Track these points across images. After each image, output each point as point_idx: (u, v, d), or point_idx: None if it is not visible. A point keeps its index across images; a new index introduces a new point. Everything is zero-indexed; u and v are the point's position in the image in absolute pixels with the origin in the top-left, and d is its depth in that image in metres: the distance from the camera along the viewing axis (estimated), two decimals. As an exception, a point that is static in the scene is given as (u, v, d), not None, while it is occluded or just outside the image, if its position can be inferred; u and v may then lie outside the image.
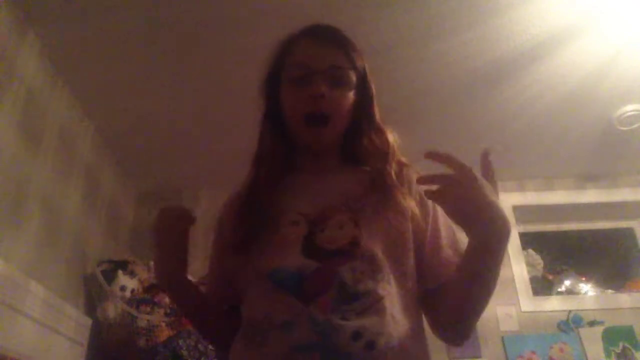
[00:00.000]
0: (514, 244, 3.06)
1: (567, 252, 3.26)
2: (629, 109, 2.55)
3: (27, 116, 1.88)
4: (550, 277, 3.11)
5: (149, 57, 2.12)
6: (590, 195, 3.19)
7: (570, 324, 2.79)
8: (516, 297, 2.89)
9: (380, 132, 1.00)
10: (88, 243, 2.40)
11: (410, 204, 0.91)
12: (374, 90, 1.02)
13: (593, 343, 2.70)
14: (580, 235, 3.31)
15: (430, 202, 0.94)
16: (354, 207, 0.88)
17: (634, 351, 2.70)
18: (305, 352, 0.77)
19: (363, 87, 0.99)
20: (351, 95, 0.96)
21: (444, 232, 0.95)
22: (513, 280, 2.94)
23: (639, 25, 2.06)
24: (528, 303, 2.87)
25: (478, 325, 2.80)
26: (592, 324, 2.78)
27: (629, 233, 3.31)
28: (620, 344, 2.73)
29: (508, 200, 3.19)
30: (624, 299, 2.92)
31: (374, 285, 0.82)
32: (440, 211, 0.95)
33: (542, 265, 3.12)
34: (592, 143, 2.86)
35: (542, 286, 3.05)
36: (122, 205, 2.92)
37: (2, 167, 1.71)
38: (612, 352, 2.70)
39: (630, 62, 2.25)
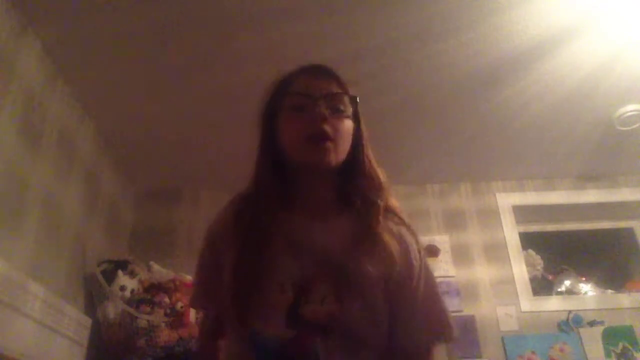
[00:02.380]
0: (514, 244, 3.06)
1: (567, 252, 3.26)
2: (629, 109, 2.55)
3: (27, 116, 1.88)
4: (550, 277, 3.11)
5: (149, 57, 2.12)
6: (590, 195, 3.20)
7: (570, 324, 2.80)
8: (516, 297, 2.89)
9: (374, 170, 1.02)
10: (88, 243, 2.40)
11: (395, 262, 0.93)
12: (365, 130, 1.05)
13: (593, 343, 2.70)
14: (580, 235, 3.31)
15: (420, 266, 0.97)
16: (339, 271, 0.89)
17: (633, 351, 2.70)
18: None
19: (357, 120, 1.03)
20: (349, 122, 1.00)
21: (426, 301, 0.98)
22: (513, 280, 2.94)
23: (639, 25, 2.05)
24: (528, 303, 2.88)
25: (478, 325, 2.83)
26: (592, 324, 2.79)
27: (629, 233, 3.31)
28: (620, 344, 2.73)
29: (508, 200, 3.20)
30: (624, 299, 2.92)
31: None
32: (429, 275, 0.99)
33: (542, 265, 3.12)
34: (592, 143, 2.86)
35: (542, 286, 3.05)
36: (122, 205, 2.92)
37: (2, 167, 1.71)
38: (612, 352, 2.70)
39: (630, 62, 2.25)
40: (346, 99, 1.01)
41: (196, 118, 2.52)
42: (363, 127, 1.04)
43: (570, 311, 2.83)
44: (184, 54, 2.10)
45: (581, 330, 2.77)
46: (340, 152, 0.97)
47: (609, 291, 3.05)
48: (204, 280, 1.08)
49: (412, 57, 2.19)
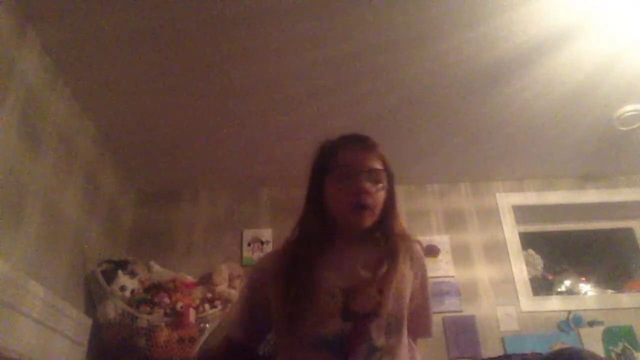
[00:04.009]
0: (514, 244, 3.06)
1: (567, 252, 3.26)
2: (629, 109, 2.55)
3: (27, 116, 1.88)
4: (550, 277, 3.11)
5: (149, 57, 2.12)
6: (590, 195, 3.20)
7: (570, 324, 2.80)
8: (516, 297, 2.89)
9: (398, 221, 1.25)
10: (88, 243, 2.40)
11: (410, 278, 1.20)
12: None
13: (593, 343, 2.70)
14: (580, 235, 3.31)
15: (423, 279, 1.27)
16: (375, 282, 1.12)
17: (633, 351, 2.70)
18: None
19: (391, 187, 1.24)
20: (384, 193, 1.21)
21: (428, 302, 1.30)
22: (513, 280, 2.94)
23: (639, 25, 2.06)
24: (528, 303, 2.88)
25: (478, 325, 2.84)
26: (592, 324, 2.79)
27: (629, 233, 3.32)
28: (620, 344, 2.73)
29: (508, 200, 3.20)
30: (624, 299, 2.92)
31: (387, 339, 1.09)
32: (428, 284, 1.30)
33: (542, 265, 3.12)
34: (592, 143, 2.86)
35: (542, 286, 3.06)
36: (122, 205, 2.92)
37: (2, 167, 1.71)
38: (612, 352, 2.70)
39: (630, 62, 2.25)
40: (384, 174, 1.21)
41: (196, 118, 2.52)
42: (394, 194, 1.25)
43: (570, 311, 2.83)
44: (184, 55, 2.10)
45: (581, 330, 2.78)
46: (375, 217, 1.18)
47: (609, 291, 3.05)
48: (245, 318, 1.29)
49: (412, 57, 2.19)
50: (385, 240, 1.20)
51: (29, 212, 1.87)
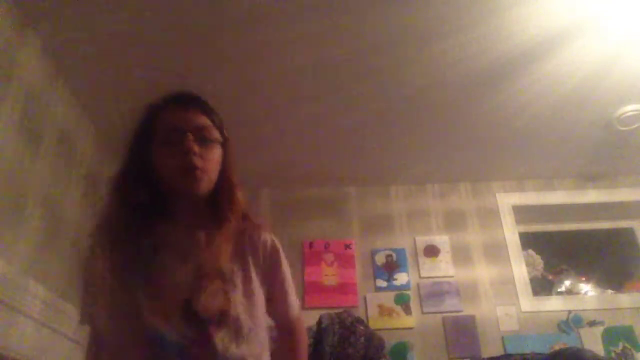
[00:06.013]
0: (514, 244, 3.06)
1: (567, 252, 3.26)
2: (629, 109, 2.55)
3: (27, 116, 1.88)
4: (550, 277, 3.11)
5: (149, 57, 2.12)
6: (590, 195, 3.20)
7: (570, 324, 2.80)
8: (516, 297, 2.89)
9: (236, 189, 1.13)
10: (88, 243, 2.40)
11: (260, 270, 1.10)
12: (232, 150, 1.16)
13: (593, 343, 2.70)
14: (580, 235, 3.31)
15: (275, 257, 1.15)
16: (224, 275, 1.01)
17: (633, 351, 2.70)
18: None
19: (226, 143, 1.13)
20: (218, 150, 1.10)
21: (286, 285, 1.18)
22: (513, 280, 2.94)
23: (639, 25, 2.06)
24: (528, 303, 2.88)
25: (478, 325, 2.84)
26: (592, 324, 2.79)
27: (629, 233, 3.32)
28: (620, 344, 2.73)
29: (508, 200, 3.20)
30: (624, 299, 2.92)
31: (236, 349, 0.97)
32: (283, 264, 1.17)
33: (542, 265, 3.12)
34: (592, 143, 2.86)
35: (542, 286, 3.06)
36: (122, 205, 2.92)
37: (2, 167, 1.71)
38: (612, 352, 2.70)
39: (630, 62, 2.25)
40: (214, 129, 1.10)
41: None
42: (230, 151, 1.14)
43: (570, 311, 2.83)
44: (184, 55, 2.10)
45: (581, 330, 2.78)
46: (210, 178, 1.07)
47: (609, 291, 3.05)
48: (88, 301, 1.12)
49: (412, 57, 2.19)
50: (219, 222, 1.07)
51: (29, 212, 1.87)
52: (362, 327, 2.46)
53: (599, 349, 2.68)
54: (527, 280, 2.95)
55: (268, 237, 1.15)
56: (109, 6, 1.84)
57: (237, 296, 1.02)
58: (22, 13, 1.83)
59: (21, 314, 1.70)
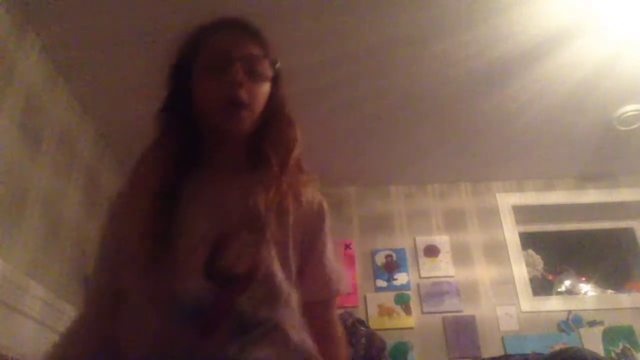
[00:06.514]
0: (514, 244, 3.06)
1: (567, 252, 3.26)
2: (629, 109, 2.55)
3: (27, 116, 1.88)
4: (550, 277, 3.11)
5: (149, 57, 2.11)
6: (590, 195, 3.20)
7: (570, 324, 2.80)
8: (516, 297, 2.89)
9: (290, 125, 0.98)
10: (88, 243, 2.40)
11: (303, 216, 0.93)
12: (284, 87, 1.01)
13: (593, 343, 2.70)
14: (580, 235, 3.31)
15: (319, 223, 0.98)
16: (254, 227, 0.85)
17: (633, 351, 2.70)
18: None
19: (277, 81, 0.98)
20: (267, 86, 0.95)
21: (324, 259, 0.98)
22: (513, 280, 2.94)
23: (639, 25, 2.06)
24: (528, 303, 2.88)
25: (478, 325, 2.83)
26: (592, 324, 2.79)
27: (629, 233, 3.32)
28: (620, 344, 2.73)
29: (508, 200, 3.20)
30: (624, 299, 2.92)
31: (270, 312, 0.83)
32: (327, 233, 0.99)
33: (542, 265, 3.12)
34: (592, 143, 2.86)
35: (542, 286, 3.06)
36: (122, 205, 2.92)
37: (2, 167, 1.71)
38: (612, 352, 2.70)
39: (630, 62, 2.25)
40: (266, 62, 0.95)
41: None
42: (283, 90, 0.99)
43: (570, 311, 2.83)
44: (184, 54, 2.10)
45: (581, 330, 2.78)
46: (254, 117, 0.93)
47: (609, 291, 3.05)
48: (107, 255, 0.97)
49: (412, 57, 2.19)
50: (261, 168, 0.91)
51: (29, 212, 1.87)
52: (363, 328, 2.46)
53: (599, 349, 2.68)
54: (527, 280, 2.95)
55: (317, 196, 0.99)
56: (109, 6, 1.84)
57: (271, 255, 0.85)
58: (22, 13, 1.83)
59: (21, 314, 1.70)
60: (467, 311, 2.86)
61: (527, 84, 2.37)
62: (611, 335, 2.75)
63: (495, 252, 3.04)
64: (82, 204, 2.34)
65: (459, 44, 2.11)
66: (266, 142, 0.94)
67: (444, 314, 2.84)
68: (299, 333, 0.85)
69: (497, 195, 3.21)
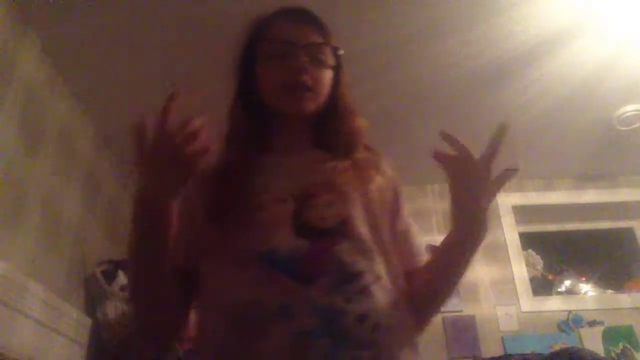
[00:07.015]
0: (514, 244, 3.06)
1: (567, 252, 3.26)
2: (629, 109, 2.55)
3: (27, 116, 1.87)
4: (550, 277, 3.11)
5: (149, 57, 2.12)
6: (590, 195, 3.20)
7: (570, 324, 2.80)
8: (516, 297, 2.89)
9: (353, 116, 1.00)
10: (88, 243, 2.40)
11: (382, 187, 0.94)
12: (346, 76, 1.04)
13: (593, 343, 2.70)
14: (580, 235, 3.31)
15: (399, 194, 1.00)
16: (337, 186, 0.87)
17: (634, 351, 2.70)
18: (311, 338, 0.73)
19: (339, 69, 1.01)
20: (329, 73, 0.98)
21: (411, 228, 1.00)
22: (513, 280, 2.94)
23: (639, 25, 2.06)
24: (528, 303, 2.88)
25: (478, 325, 2.83)
26: (592, 324, 2.79)
27: (629, 233, 3.32)
28: (620, 344, 2.73)
29: (508, 200, 3.20)
30: (624, 299, 2.92)
31: (369, 264, 0.82)
32: (405, 204, 1.00)
33: (542, 265, 3.12)
34: (592, 143, 2.86)
35: (542, 286, 3.06)
36: (122, 205, 2.92)
37: (2, 167, 1.71)
38: (612, 352, 2.70)
39: (630, 62, 2.25)
40: (327, 50, 0.98)
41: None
42: (344, 76, 1.02)
43: (570, 311, 2.83)
44: (184, 55, 2.10)
45: (581, 330, 2.78)
46: (318, 101, 0.95)
47: (609, 291, 3.05)
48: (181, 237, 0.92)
49: (412, 57, 2.19)
50: (336, 139, 0.96)
51: (29, 212, 1.87)
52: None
53: (599, 349, 2.68)
54: (527, 280, 2.95)
55: (396, 173, 1.03)
56: (109, 6, 1.84)
57: (358, 215, 0.85)
58: (22, 13, 1.83)
59: (21, 314, 1.70)
60: (467, 311, 2.86)
61: (527, 83, 2.37)
62: (611, 335, 2.75)
63: (495, 252, 3.04)
64: (82, 204, 2.34)
65: (459, 43, 2.11)
66: (331, 129, 0.97)
67: (444, 314, 2.83)
68: (391, 290, 0.84)
69: (497, 195, 3.21)
